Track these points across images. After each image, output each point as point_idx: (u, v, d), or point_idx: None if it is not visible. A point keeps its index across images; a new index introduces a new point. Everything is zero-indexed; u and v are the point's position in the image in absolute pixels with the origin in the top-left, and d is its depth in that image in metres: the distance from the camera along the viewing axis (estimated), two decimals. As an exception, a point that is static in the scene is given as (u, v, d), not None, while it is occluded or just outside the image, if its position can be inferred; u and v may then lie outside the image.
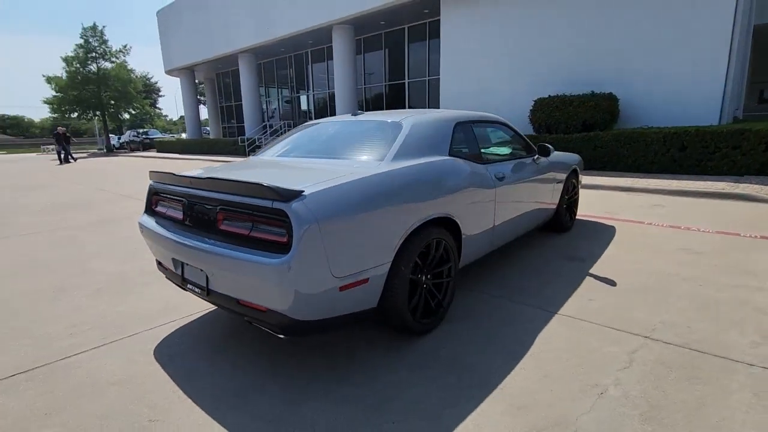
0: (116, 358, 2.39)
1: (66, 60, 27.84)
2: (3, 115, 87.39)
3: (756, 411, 1.79)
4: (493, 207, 3.04)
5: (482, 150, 3.16)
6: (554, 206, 4.25)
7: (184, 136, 29.38)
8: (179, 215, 2.36)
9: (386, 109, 17.25)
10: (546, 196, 3.95)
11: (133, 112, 31.82)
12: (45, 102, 28.48)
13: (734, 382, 1.98)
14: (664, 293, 2.99)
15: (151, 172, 2.62)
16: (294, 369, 2.22)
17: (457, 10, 12.05)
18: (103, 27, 28.79)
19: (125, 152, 30.26)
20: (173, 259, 2.36)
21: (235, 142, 19.74)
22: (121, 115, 32.65)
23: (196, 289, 2.24)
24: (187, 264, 2.24)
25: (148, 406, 1.97)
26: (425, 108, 15.37)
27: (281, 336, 1.98)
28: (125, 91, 29.13)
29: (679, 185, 6.79)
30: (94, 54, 28.73)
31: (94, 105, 28.99)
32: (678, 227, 4.72)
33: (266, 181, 1.86)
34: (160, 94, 52.17)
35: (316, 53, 19.58)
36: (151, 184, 2.65)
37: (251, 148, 18.61)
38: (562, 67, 10.25)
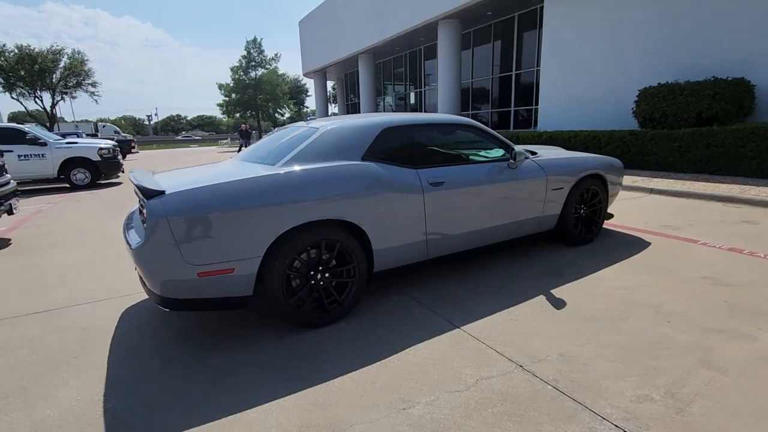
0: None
1: (233, 69, 33.54)
2: (202, 116, 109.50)
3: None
4: (423, 213, 2.99)
5: (421, 154, 3.12)
6: (554, 215, 3.82)
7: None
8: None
9: (492, 103, 16.61)
10: (529, 203, 3.61)
11: (284, 111, 36.67)
12: (218, 105, 34.87)
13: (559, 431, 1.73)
14: (608, 325, 2.57)
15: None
16: (203, 336, 2.66)
17: (561, -7, 10.96)
18: (261, 39, 33.76)
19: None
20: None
21: None
22: (274, 115, 37.84)
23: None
24: None
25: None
26: (531, 100, 14.37)
27: (164, 309, 2.43)
28: (274, 93, 33.76)
29: (806, 197, 5.21)
30: (253, 63, 33.95)
31: (252, 106, 34.31)
32: (740, 251, 3.76)
33: (143, 183, 2.31)
34: (308, 94, 58.60)
35: (428, 50, 19.79)
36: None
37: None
38: (677, 51, 8.56)
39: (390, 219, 2.86)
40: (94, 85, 47.67)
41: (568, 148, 9.49)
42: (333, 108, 35.07)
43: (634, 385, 1.99)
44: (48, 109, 46.22)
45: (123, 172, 11.90)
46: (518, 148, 3.59)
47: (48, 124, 45.07)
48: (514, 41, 15.05)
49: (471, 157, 3.49)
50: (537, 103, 12.51)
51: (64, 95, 46.92)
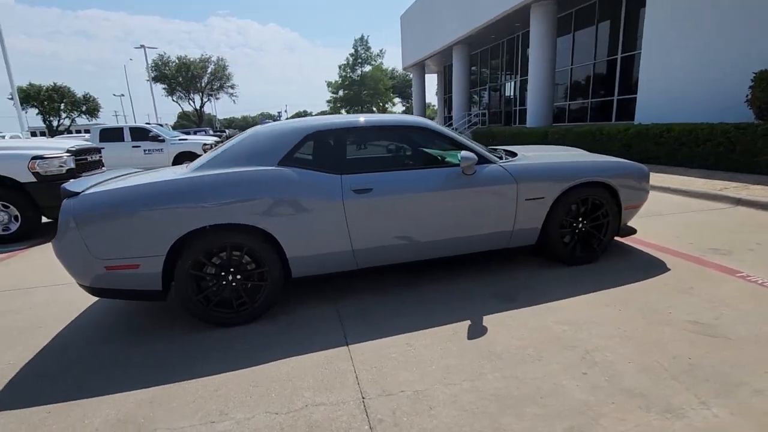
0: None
1: (341, 67, 35.51)
2: (324, 111, 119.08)
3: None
4: (344, 221, 2.87)
5: (351, 160, 2.98)
6: (533, 228, 3.32)
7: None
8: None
9: (593, 92, 14.77)
10: (493, 215, 3.18)
11: (388, 105, 37.71)
12: (327, 102, 37.34)
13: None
14: (504, 366, 2.18)
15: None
16: (166, 330, 2.99)
17: (670, -41, 9.17)
18: (368, 36, 35.05)
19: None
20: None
21: None
22: (381, 109, 39.04)
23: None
24: None
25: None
26: (630, 88, 12.44)
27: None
28: (377, 89, 34.82)
29: None
30: (360, 60, 35.44)
31: (357, 102, 35.93)
32: (788, 291, 2.81)
33: (66, 185, 2.67)
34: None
35: (525, 36, 18.32)
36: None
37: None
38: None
39: (305, 227, 2.81)
40: (232, 87, 54.88)
41: (657, 145, 8.02)
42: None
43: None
44: (197, 108, 54.39)
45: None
46: (479, 151, 3.21)
47: (197, 122, 53.11)
48: (621, 20, 13.09)
49: (434, 161, 3.21)
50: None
51: (210, 97, 54.84)
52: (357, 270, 3.05)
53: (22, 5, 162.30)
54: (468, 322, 2.66)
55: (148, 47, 33.32)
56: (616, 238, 3.84)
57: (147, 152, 12.63)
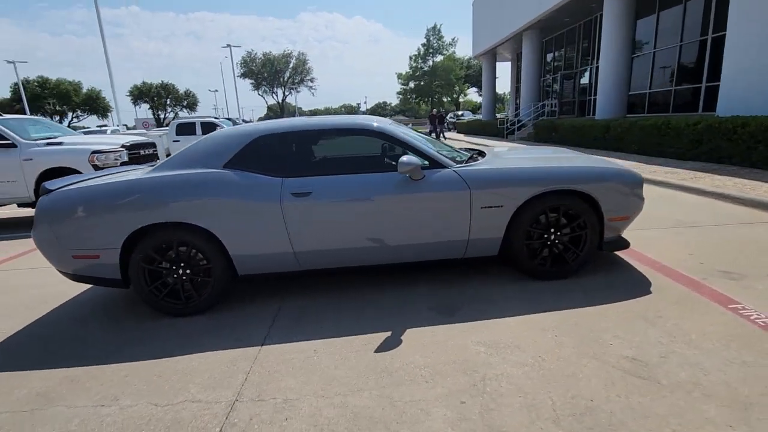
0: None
1: (411, 57, 35.29)
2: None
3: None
4: (283, 223, 2.93)
5: (296, 163, 3.02)
6: (493, 238, 3.09)
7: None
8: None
9: (676, 78, 13.03)
10: (444, 222, 3.01)
11: (452, 97, 36.80)
12: (397, 93, 37.46)
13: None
14: (388, 384, 2.10)
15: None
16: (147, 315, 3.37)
17: None
18: (440, 25, 34.36)
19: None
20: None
21: (495, 124, 20.00)
22: (453, 99, 38.28)
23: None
24: None
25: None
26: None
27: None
28: (448, 79, 34.07)
29: None
30: (431, 50, 34.92)
31: (426, 93, 35.54)
32: (785, 332, 2.31)
33: (45, 183, 3.06)
34: (496, 77, 56.49)
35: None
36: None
37: (509, 131, 18.42)
38: None
39: (246, 228, 2.92)
40: (312, 80, 57.41)
41: (730, 143, 6.89)
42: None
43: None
44: (279, 102, 57.74)
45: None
46: (432, 154, 3.07)
47: (281, 114, 56.36)
48: (714, -6, 11.31)
49: (383, 164, 3.15)
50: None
51: (291, 90, 57.89)
52: (312, 270, 3.11)
53: (145, 11, 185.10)
54: (387, 334, 2.59)
55: (234, 46, 36.10)
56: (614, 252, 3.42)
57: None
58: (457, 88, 36.25)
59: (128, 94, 54.13)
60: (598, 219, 3.14)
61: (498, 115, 26.48)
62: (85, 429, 1.93)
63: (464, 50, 37.33)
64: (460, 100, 47.83)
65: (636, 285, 3.02)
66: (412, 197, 2.98)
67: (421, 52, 34.99)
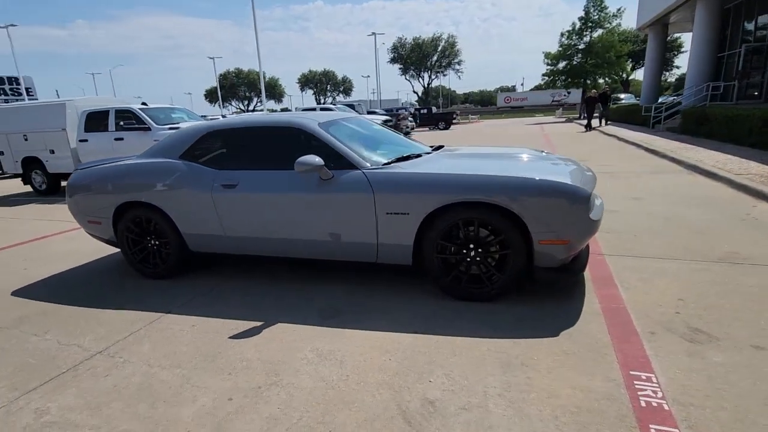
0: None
1: (563, 34, 31.66)
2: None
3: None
4: (214, 210, 3.29)
5: (231, 157, 3.32)
6: (403, 246, 2.90)
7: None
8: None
9: None
10: (351, 224, 2.95)
11: (607, 78, 31.83)
12: (542, 75, 34.23)
13: None
14: (155, 364, 2.30)
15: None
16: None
17: None
18: (605, -8, 29.80)
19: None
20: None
21: (640, 111, 16.66)
22: (600, 82, 33.18)
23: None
24: None
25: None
26: None
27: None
28: (606, 57, 29.59)
29: None
30: (591, 23, 30.73)
31: (578, 74, 31.55)
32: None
33: (80, 165, 4.02)
34: (682, 50, 46.53)
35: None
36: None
37: (655, 119, 15.23)
38: None
39: (188, 210, 3.39)
40: (459, 63, 56.61)
41: None
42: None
43: None
44: (425, 86, 58.61)
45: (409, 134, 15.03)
46: (347, 154, 3.02)
47: (426, 98, 57.36)
48: None
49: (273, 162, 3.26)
50: None
51: (437, 74, 58.16)
52: (239, 254, 3.45)
53: (327, 6, 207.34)
54: (257, 324, 2.74)
55: (378, 34, 37.97)
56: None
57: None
58: (617, 68, 31.22)
59: (297, 81, 61.96)
60: (524, 240, 2.65)
61: (661, 99, 22.08)
62: (8, 346, 2.65)
63: (629, 22, 31.74)
64: (629, 79, 41.14)
65: (552, 324, 2.49)
66: (321, 197, 3.00)
67: (576, 27, 30.99)
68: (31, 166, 9.15)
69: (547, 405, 1.83)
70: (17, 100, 27.44)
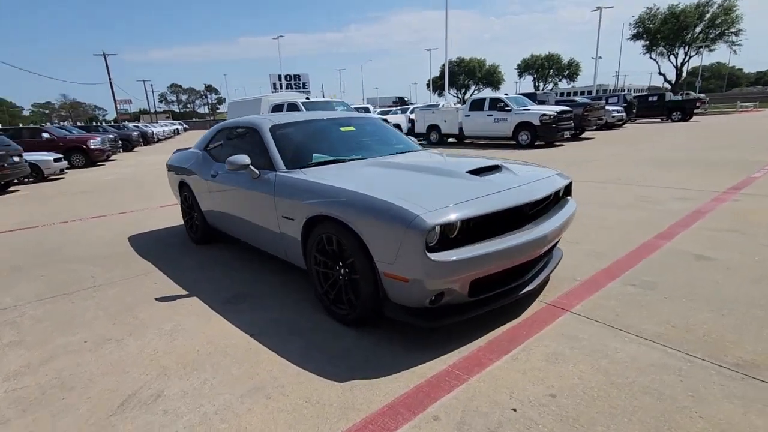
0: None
1: None
2: None
3: None
4: (209, 193, 3.96)
5: (227, 151, 3.87)
6: (297, 252, 2.89)
7: None
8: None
9: None
10: (266, 224, 3.11)
11: None
12: None
13: None
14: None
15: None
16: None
17: None
18: None
19: None
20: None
21: None
22: None
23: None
24: None
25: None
26: None
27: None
28: None
29: None
30: None
31: None
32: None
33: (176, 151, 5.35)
34: None
35: None
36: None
37: None
38: None
39: (200, 190, 4.18)
40: (737, 33, 43.26)
41: None
42: None
43: None
44: (677, 66, 47.51)
45: (564, 136, 13.27)
46: (274, 158, 3.14)
47: (673, 81, 46.77)
48: None
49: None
50: None
51: (699, 49, 46.13)
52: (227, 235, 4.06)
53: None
54: (172, 304, 3.25)
55: (606, 8, 32.09)
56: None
57: (496, 121, 14.26)
58: None
59: (516, 68, 59.40)
60: (371, 267, 2.27)
61: None
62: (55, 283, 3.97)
63: None
64: None
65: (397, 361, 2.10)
66: (249, 193, 3.26)
67: None
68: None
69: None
70: (299, 91, 34.74)
